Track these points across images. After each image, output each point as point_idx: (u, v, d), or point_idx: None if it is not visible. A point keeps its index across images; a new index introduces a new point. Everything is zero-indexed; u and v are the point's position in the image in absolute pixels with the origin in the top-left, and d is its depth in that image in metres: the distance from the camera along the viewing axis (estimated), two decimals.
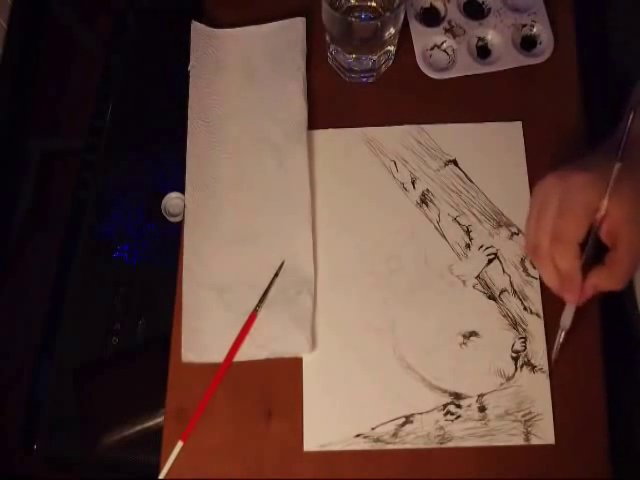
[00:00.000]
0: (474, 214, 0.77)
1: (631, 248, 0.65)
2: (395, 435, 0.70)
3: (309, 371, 0.73)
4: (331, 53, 0.82)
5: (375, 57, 0.80)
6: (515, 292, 0.74)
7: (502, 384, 0.71)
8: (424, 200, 0.78)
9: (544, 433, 0.70)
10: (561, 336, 0.70)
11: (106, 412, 0.87)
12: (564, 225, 0.65)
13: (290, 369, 0.73)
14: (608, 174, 0.63)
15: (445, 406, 0.71)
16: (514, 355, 0.72)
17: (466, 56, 0.82)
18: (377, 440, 0.70)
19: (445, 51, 0.84)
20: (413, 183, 0.79)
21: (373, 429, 0.71)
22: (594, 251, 0.67)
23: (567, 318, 0.70)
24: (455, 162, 0.79)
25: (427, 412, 0.71)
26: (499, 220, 0.76)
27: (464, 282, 0.75)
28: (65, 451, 0.90)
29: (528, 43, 0.84)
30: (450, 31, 0.84)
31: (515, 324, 0.73)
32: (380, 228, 0.77)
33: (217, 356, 0.73)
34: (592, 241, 0.66)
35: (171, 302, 0.76)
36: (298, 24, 0.84)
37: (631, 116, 0.64)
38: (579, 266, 0.66)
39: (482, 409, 0.71)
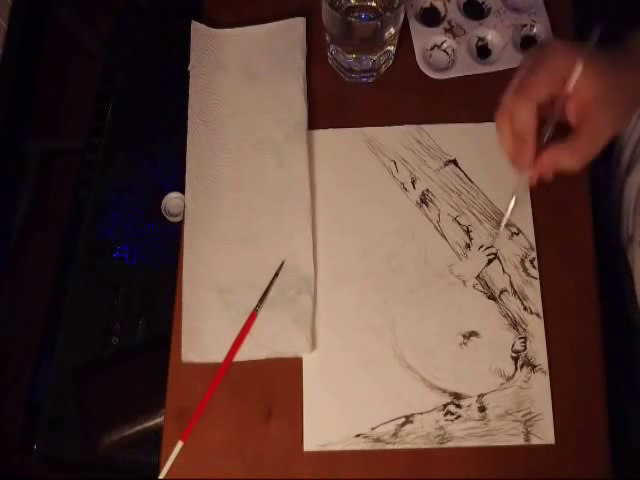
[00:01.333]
0: (474, 214, 0.77)
1: (597, 129, 0.65)
2: (395, 435, 0.70)
3: (309, 371, 0.73)
4: (331, 53, 0.82)
5: (375, 57, 0.80)
6: (515, 292, 0.74)
7: (502, 384, 0.71)
8: (424, 200, 0.78)
9: (544, 433, 0.70)
10: (511, 204, 0.72)
11: (106, 412, 0.87)
12: (527, 82, 0.65)
13: (290, 369, 0.73)
14: (589, 51, 0.63)
15: (445, 406, 0.71)
16: (514, 355, 0.72)
17: (466, 56, 0.82)
18: (377, 440, 0.70)
19: (445, 51, 0.84)
20: (413, 183, 0.79)
21: (373, 429, 0.71)
22: (554, 131, 0.66)
23: (520, 188, 0.71)
24: (455, 162, 0.79)
25: (427, 412, 0.71)
26: (499, 220, 0.76)
27: (464, 282, 0.75)
28: (65, 451, 0.91)
29: (528, 43, 0.84)
30: (450, 31, 0.84)
31: (515, 324, 0.73)
32: (380, 228, 0.77)
33: (217, 356, 0.73)
34: (555, 114, 0.65)
35: (171, 302, 0.76)
36: (298, 24, 0.84)
37: None
38: (534, 127, 0.65)
39: (482, 409, 0.71)
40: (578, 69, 0.63)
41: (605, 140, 0.66)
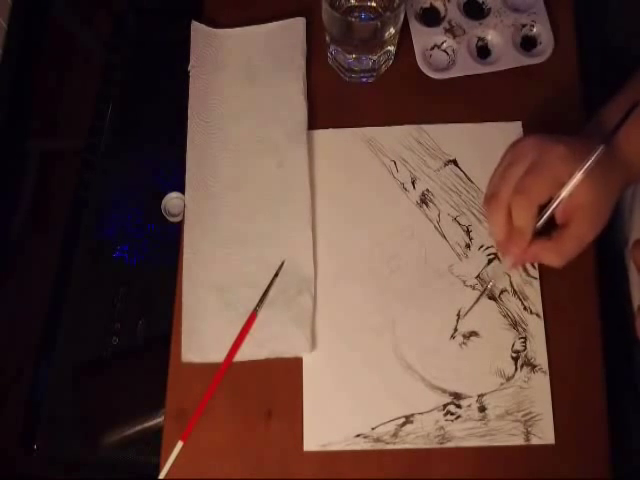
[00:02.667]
0: (474, 214, 0.77)
1: (583, 233, 0.67)
2: (395, 435, 0.70)
3: (309, 371, 0.73)
4: (331, 53, 0.82)
5: (375, 57, 0.80)
6: (515, 292, 0.74)
7: (502, 384, 0.71)
8: (424, 200, 0.78)
9: (544, 433, 0.70)
10: (488, 288, 0.74)
11: (106, 412, 0.87)
12: (531, 182, 0.66)
13: (290, 369, 0.73)
14: (586, 156, 0.64)
15: (445, 406, 0.71)
16: (514, 355, 0.72)
17: (466, 56, 0.82)
18: (377, 440, 0.70)
19: (445, 51, 0.84)
20: (413, 183, 0.79)
21: (373, 429, 0.71)
22: (545, 224, 0.68)
23: (499, 270, 0.74)
24: (455, 162, 0.79)
25: (427, 412, 0.71)
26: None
27: (464, 282, 0.75)
28: (65, 451, 0.90)
29: (528, 43, 0.84)
30: (450, 31, 0.84)
31: (515, 324, 0.73)
32: (380, 228, 0.77)
33: (217, 356, 0.73)
34: (549, 212, 0.67)
35: (171, 302, 0.76)
36: (298, 24, 0.84)
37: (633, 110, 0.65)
38: (532, 227, 0.67)
39: (482, 409, 0.71)
40: (577, 178, 0.64)
41: (588, 242, 0.68)
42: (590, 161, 0.64)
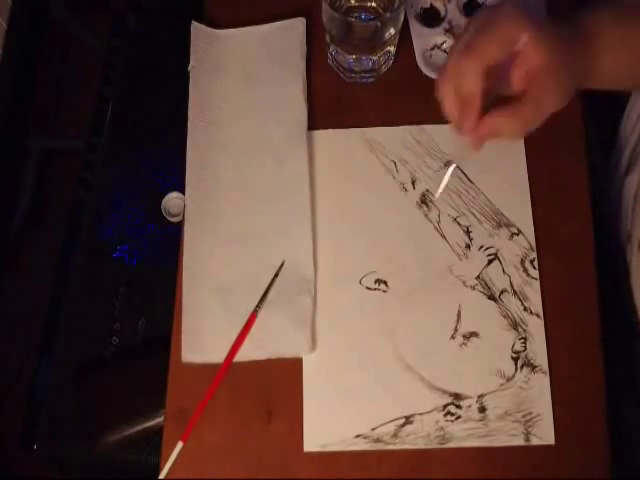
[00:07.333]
0: (474, 214, 0.77)
1: (545, 95, 0.62)
2: (395, 436, 0.70)
3: (309, 371, 0.73)
4: (331, 53, 0.82)
5: (375, 57, 0.80)
6: (515, 292, 0.74)
7: (502, 384, 0.71)
8: (424, 200, 0.78)
9: (544, 433, 0.70)
10: (450, 170, 0.70)
11: (106, 412, 0.87)
12: (476, 42, 0.61)
13: (290, 369, 0.73)
14: (536, 18, 0.60)
15: (445, 406, 0.71)
16: (514, 355, 0.72)
17: None
18: (377, 441, 0.70)
19: (445, 51, 0.84)
20: (413, 183, 0.78)
21: (373, 429, 0.71)
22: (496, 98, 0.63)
23: (460, 151, 0.68)
24: None
25: (427, 412, 0.71)
26: (499, 220, 0.76)
27: (464, 282, 0.75)
28: (65, 451, 0.90)
29: None
30: (450, 31, 0.84)
31: (515, 324, 0.73)
32: (380, 228, 0.77)
33: (217, 356, 0.73)
34: (500, 81, 0.62)
35: (171, 302, 0.76)
36: (298, 24, 0.84)
37: None
38: (480, 91, 0.61)
39: (482, 409, 0.71)
40: (528, 34, 0.60)
41: (551, 109, 0.63)
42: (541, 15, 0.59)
